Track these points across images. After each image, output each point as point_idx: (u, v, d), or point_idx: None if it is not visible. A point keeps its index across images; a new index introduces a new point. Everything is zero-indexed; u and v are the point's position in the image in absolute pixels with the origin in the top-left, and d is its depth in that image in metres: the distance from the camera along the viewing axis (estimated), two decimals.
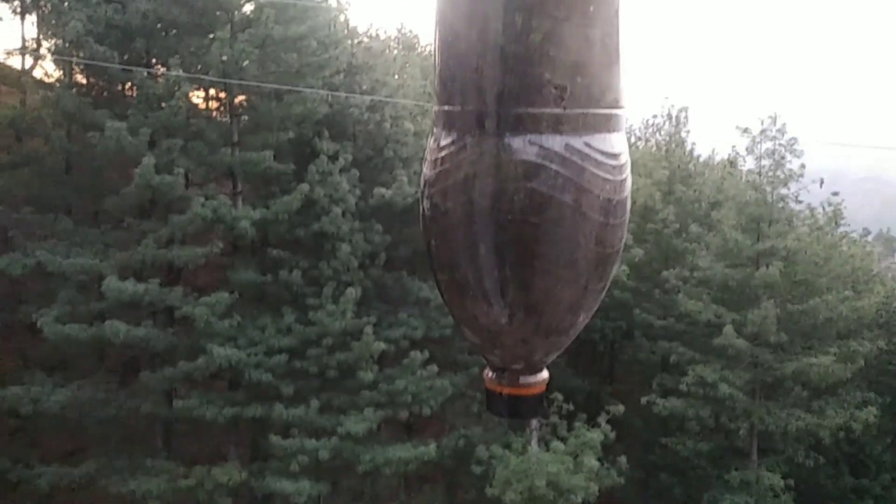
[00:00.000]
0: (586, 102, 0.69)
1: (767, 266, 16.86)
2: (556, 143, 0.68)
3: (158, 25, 16.48)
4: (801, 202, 18.92)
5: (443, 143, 0.72)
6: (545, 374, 0.79)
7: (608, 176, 0.70)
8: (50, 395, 13.54)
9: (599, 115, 0.70)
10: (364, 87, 17.52)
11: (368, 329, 14.11)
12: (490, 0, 0.67)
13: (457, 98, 0.71)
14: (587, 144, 0.69)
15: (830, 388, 17.26)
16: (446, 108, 0.73)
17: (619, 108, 0.73)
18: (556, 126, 0.68)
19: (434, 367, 14.97)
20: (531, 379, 0.76)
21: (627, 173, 0.74)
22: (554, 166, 0.68)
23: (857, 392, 17.66)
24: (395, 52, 20.40)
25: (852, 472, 19.06)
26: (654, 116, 21.76)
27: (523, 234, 0.68)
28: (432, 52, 0.74)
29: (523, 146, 0.67)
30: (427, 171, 0.74)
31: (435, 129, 0.74)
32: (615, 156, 0.72)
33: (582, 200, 0.69)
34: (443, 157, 0.72)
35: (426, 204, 0.73)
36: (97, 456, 14.53)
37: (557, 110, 0.68)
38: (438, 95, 0.74)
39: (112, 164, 15.46)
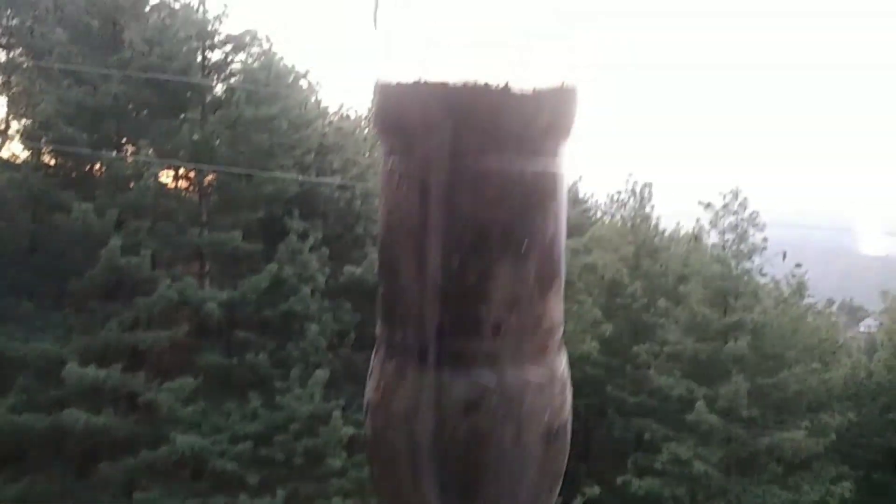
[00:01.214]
0: (522, 335, 0.70)
1: (736, 340, 17.01)
2: (493, 377, 0.69)
3: (129, 106, 16.62)
4: (765, 275, 19.28)
5: (386, 367, 0.72)
6: None
7: (549, 402, 0.71)
8: (1, 489, 12.96)
9: (536, 344, 0.72)
10: (335, 166, 17.72)
11: (337, 413, 13.83)
12: (428, 240, 0.69)
13: (398, 326, 0.72)
14: (525, 375, 0.70)
15: (804, 463, 17.20)
16: (388, 332, 0.73)
17: (556, 332, 0.74)
18: (494, 361, 0.69)
19: None
20: None
21: (568, 393, 0.75)
22: (493, 401, 0.68)
23: (832, 466, 17.60)
24: (366, 131, 20.73)
25: None
26: (619, 192, 22.21)
27: (465, 470, 0.68)
28: (377, 272, 0.76)
29: (462, 382, 0.68)
30: (370, 392, 0.73)
31: (379, 350, 0.74)
32: (554, 380, 0.73)
33: (523, 432, 0.69)
34: (386, 384, 0.71)
35: (369, 428, 0.73)
36: None
37: (494, 345, 0.69)
38: (383, 316, 0.74)
39: (78, 245, 15.27)
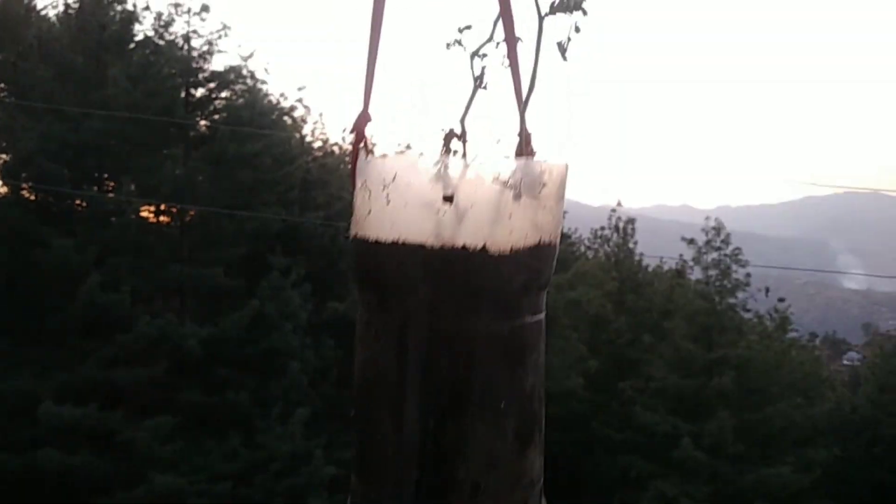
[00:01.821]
0: (500, 494, 0.69)
1: (720, 375, 16.98)
2: None
3: (112, 143, 16.57)
4: (749, 310, 19.33)
5: None
6: None
7: None
8: None
9: (515, 502, 0.72)
10: (319, 202, 17.71)
11: (319, 452, 13.61)
12: (405, 398, 0.68)
13: (374, 483, 0.71)
14: None
15: (791, 499, 17.07)
16: (362, 487, 0.72)
17: (536, 486, 0.74)
18: None
19: None
20: None
21: None
22: None
23: (818, 502, 17.50)
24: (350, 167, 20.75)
25: None
26: (602, 228, 22.31)
27: None
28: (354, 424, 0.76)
29: None
30: None
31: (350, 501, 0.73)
32: None
33: None
34: None
35: None
36: None
37: None
38: (357, 469, 0.73)
39: (57, 282, 15.07)
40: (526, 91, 1.01)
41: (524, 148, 0.94)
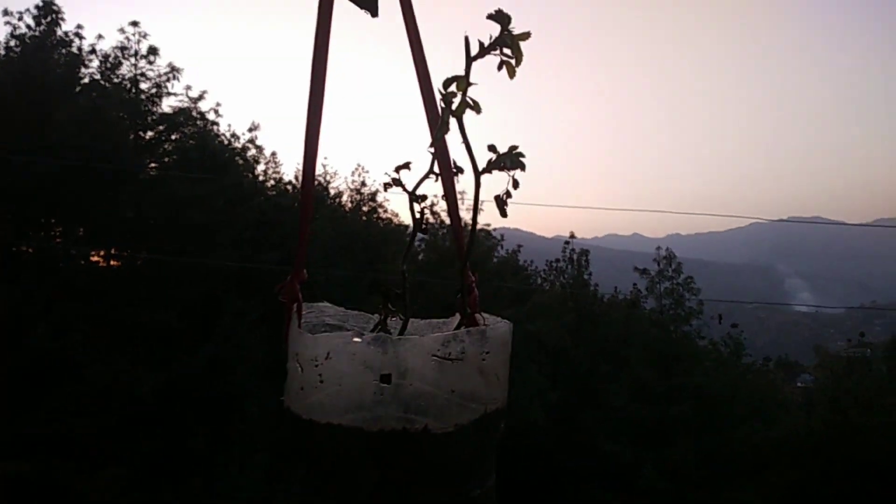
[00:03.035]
0: None
1: (679, 403, 17.15)
2: None
3: (59, 188, 16.20)
4: (703, 338, 19.65)
5: None
6: None
7: None
8: None
9: None
10: (273, 242, 17.50)
11: (281, 497, 13.27)
12: None
13: None
14: None
15: None
16: None
17: None
18: None
19: None
20: None
21: None
22: None
23: None
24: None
25: None
26: (557, 260, 22.50)
27: None
28: None
29: None
30: None
31: None
32: None
33: None
34: None
35: None
36: None
37: None
38: None
39: (3, 330, 14.56)
40: (466, 247, 0.99)
41: (466, 303, 0.91)
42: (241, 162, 19.34)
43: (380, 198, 22.96)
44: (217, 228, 15.82)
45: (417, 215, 0.99)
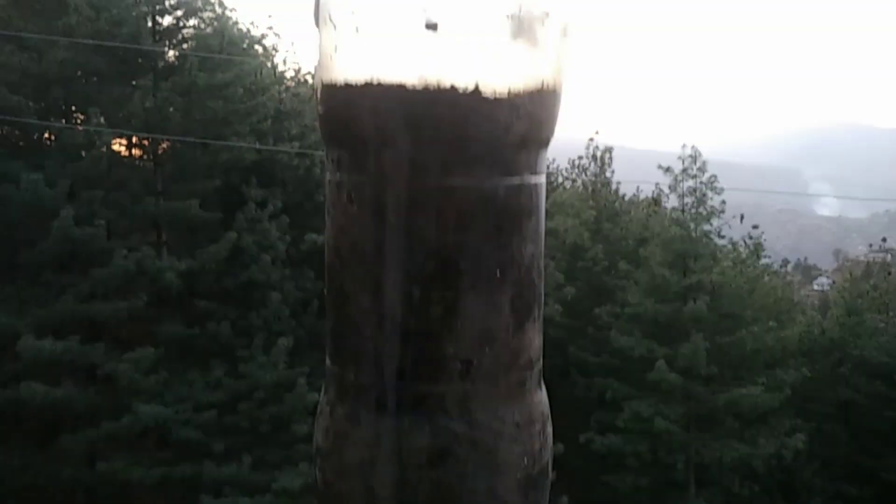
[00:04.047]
0: (496, 373, 0.60)
1: (695, 300, 17.28)
2: (462, 423, 0.59)
3: (78, 74, 16.04)
4: (723, 237, 19.56)
5: (336, 410, 0.63)
6: None
7: (527, 446, 0.62)
8: None
9: (512, 382, 0.62)
10: (293, 133, 17.38)
11: (302, 380, 13.78)
12: (384, 268, 0.59)
13: (350, 364, 0.62)
14: (499, 418, 0.60)
15: (761, 418, 17.68)
16: (338, 370, 0.63)
17: (535, 366, 0.64)
18: (463, 403, 0.59)
19: None
20: None
21: (548, 431, 0.66)
22: (462, 450, 0.58)
23: (786, 420, 18.13)
24: None
25: (785, 499, 19.48)
26: (580, 158, 22.22)
27: None
28: (324, 292, 0.65)
29: (426, 429, 0.58)
30: (320, 438, 0.64)
31: (328, 389, 0.65)
32: (533, 421, 0.62)
33: (498, 484, 0.59)
34: (337, 430, 0.62)
35: (319, 478, 0.63)
36: None
37: (463, 386, 0.59)
38: (331, 351, 0.64)
39: (29, 217, 14.80)
40: None
41: None
42: (259, 50, 18.96)
43: None
44: (236, 118, 15.69)
45: None
